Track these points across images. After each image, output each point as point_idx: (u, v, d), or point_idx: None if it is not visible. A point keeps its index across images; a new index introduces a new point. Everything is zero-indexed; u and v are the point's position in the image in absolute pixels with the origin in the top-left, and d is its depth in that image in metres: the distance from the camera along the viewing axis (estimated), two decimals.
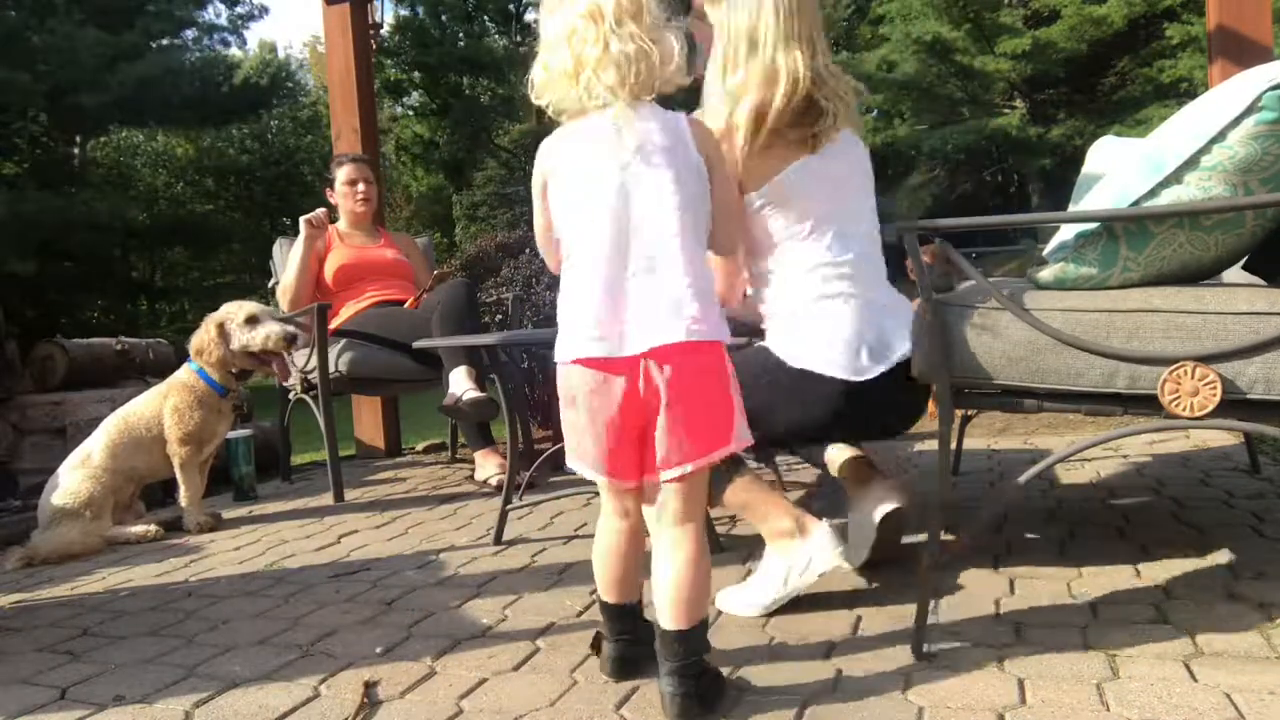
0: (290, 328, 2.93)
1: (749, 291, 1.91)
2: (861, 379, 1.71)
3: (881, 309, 1.78)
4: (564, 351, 1.37)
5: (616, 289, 1.33)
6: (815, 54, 1.78)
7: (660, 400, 1.31)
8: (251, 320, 2.89)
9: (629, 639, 1.48)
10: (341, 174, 3.70)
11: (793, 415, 1.79)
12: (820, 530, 1.70)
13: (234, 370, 2.91)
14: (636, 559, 1.47)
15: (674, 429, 1.31)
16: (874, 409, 1.79)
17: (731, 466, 1.77)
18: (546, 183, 1.43)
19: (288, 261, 3.54)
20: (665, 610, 1.34)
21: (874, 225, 1.89)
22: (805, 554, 1.69)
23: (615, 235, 1.34)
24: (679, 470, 1.33)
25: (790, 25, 1.76)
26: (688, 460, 1.32)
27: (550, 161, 1.42)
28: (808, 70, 1.74)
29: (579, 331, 1.35)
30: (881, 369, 1.72)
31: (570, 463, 1.43)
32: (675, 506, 1.36)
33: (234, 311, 2.91)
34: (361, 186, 3.69)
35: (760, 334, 1.87)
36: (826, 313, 1.76)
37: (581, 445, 1.39)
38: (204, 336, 2.88)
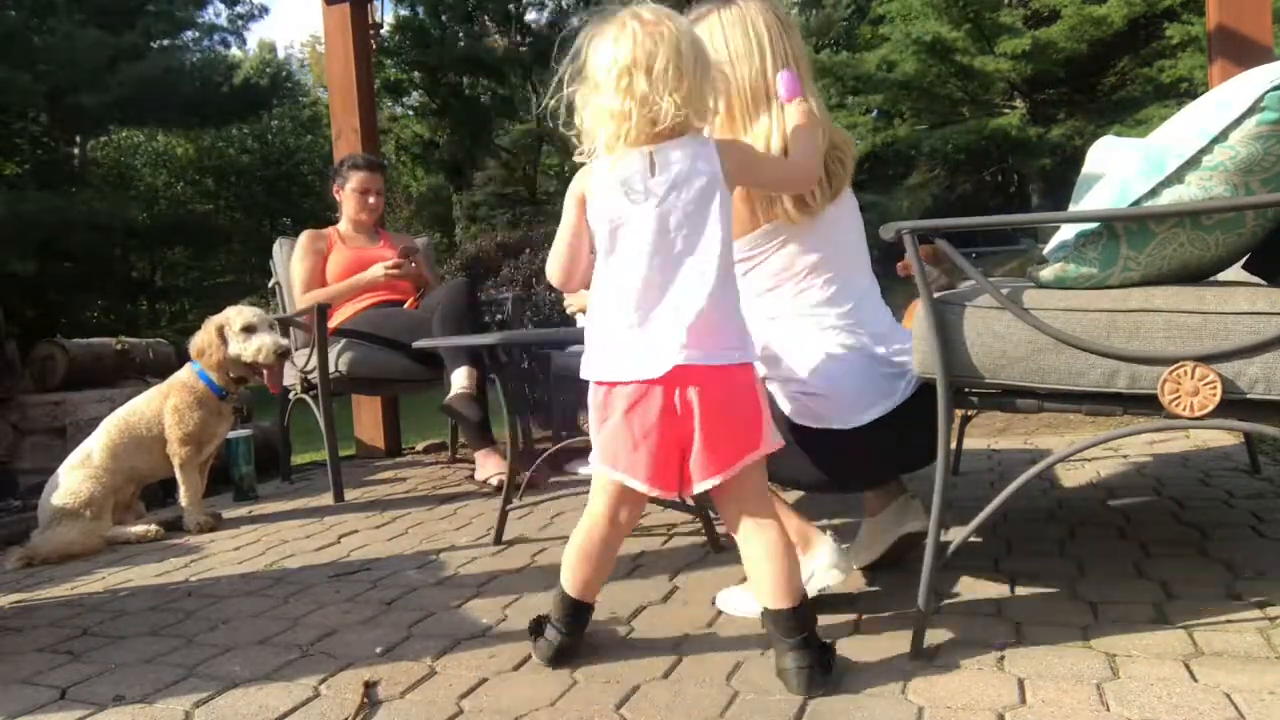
0: (283, 342, 2.92)
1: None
2: (850, 426, 1.67)
3: (879, 358, 1.72)
4: (594, 370, 1.46)
5: (644, 316, 1.41)
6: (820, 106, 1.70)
7: (694, 417, 1.40)
8: (248, 329, 2.88)
9: (573, 634, 1.56)
10: (354, 180, 3.68)
11: (796, 466, 1.75)
12: (824, 546, 1.70)
13: (231, 375, 2.91)
14: (608, 565, 1.55)
15: (706, 443, 1.40)
16: (877, 452, 1.73)
17: None
18: (584, 198, 1.49)
19: (340, 285, 3.50)
20: (767, 594, 1.44)
21: (870, 275, 1.82)
22: (807, 569, 1.68)
23: (647, 267, 1.41)
24: (711, 481, 1.42)
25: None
26: (720, 470, 1.42)
27: (589, 181, 1.48)
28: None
29: (609, 353, 1.44)
30: (875, 414, 1.67)
31: (597, 469, 1.49)
32: (737, 509, 1.46)
33: (233, 317, 2.90)
34: (372, 199, 3.69)
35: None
36: (822, 363, 1.70)
37: (619, 454, 1.44)
38: (205, 338, 2.89)
